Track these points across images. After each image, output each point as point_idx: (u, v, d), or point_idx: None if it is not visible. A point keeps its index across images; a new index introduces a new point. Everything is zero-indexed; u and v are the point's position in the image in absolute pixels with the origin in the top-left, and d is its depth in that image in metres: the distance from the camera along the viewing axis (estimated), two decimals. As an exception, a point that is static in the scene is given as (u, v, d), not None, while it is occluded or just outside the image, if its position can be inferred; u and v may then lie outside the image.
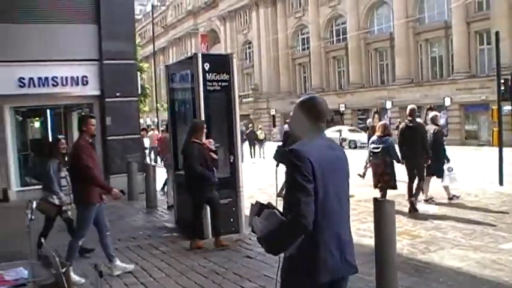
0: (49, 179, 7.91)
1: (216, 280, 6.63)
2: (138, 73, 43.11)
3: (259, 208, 3.13)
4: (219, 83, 9.16)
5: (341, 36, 50.47)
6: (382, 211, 5.69)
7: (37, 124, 19.69)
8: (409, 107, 11.61)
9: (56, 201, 7.91)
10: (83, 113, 17.57)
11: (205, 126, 8.45)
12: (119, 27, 15.27)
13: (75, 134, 19.10)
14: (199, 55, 9.07)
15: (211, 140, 8.66)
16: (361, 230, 9.10)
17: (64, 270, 3.70)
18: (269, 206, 3.12)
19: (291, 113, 3.50)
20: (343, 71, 50.94)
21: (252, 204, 3.21)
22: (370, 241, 7.87)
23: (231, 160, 9.28)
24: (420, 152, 10.82)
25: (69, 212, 8.09)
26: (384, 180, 11.01)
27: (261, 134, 31.35)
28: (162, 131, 21.70)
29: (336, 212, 3.17)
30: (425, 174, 11.16)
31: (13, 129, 15.26)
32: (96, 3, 15.20)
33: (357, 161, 15.09)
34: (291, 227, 2.96)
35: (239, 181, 9.38)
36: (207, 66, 9.00)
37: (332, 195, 3.14)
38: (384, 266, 5.65)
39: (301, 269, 3.12)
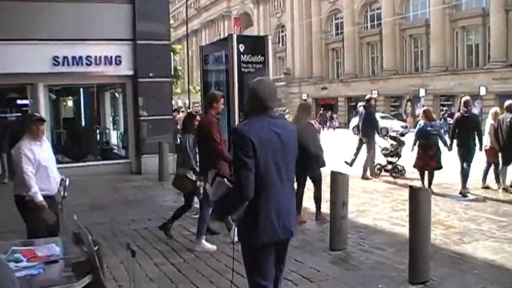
0: (186, 154, 7.95)
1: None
2: (171, 54, 43.80)
3: (214, 176, 3.78)
4: (254, 65, 9.09)
5: (375, 22, 49.81)
6: (417, 199, 5.55)
7: (70, 103, 19.95)
8: (464, 98, 11.84)
9: (193, 177, 7.89)
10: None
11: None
12: (153, 7, 15.25)
13: (108, 113, 19.46)
14: (235, 36, 9.03)
15: None
16: (394, 218, 8.98)
17: (96, 248, 3.68)
18: (219, 175, 3.78)
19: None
20: (377, 57, 50.31)
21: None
22: (402, 229, 7.79)
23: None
24: (473, 141, 11.15)
25: (201, 188, 7.84)
26: (432, 162, 11.46)
27: (289, 118, 31.06)
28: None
29: (276, 184, 3.64)
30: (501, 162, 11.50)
31: (47, 107, 15.40)
32: (131, -17, 15.19)
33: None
34: (234, 196, 3.58)
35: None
36: (241, 47, 8.94)
37: (272, 169, 3.60)
38: (416, 256, 5.53)
39: (246, 231, 3.70)
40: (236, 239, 3.98)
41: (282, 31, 65.11)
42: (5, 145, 13.29)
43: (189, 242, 7.72)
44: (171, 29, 52.17)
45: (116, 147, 18.74)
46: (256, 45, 9.25)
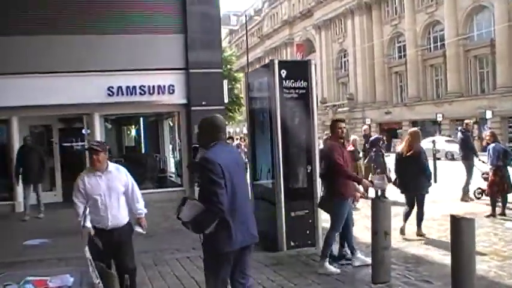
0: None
1: (281, 297, 6.36)
2: (233, 82, 44.22)
3: (183, 200, 4.40)
4: (297, 90, 8.88)
5: (438, 43, 48.70)
6: (459, 230, 5.18)
7: (128, 132, 20.33)
8: None
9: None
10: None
11: None
12: (205, 36, 15.39)
13: (165, 141, 19.67)
14: (276, 61, 8.85)
15: None
16: (448, 249, 8.45)
17: (98, 282, 3.57)
18: (190, 198, 4.43)
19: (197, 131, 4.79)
20: (441, 79, 49.06)
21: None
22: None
23: (308, 170, 8.96)
24: None
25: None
26: (505, 184, 11.24)
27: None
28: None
29: (241, 198, 4.48)
30: None
31: (103, 137, 15.71)
32: (182, 13, 15.39)
33: (455, 174, 14.36)
34: (211, 212, 4.25)
35: (316, 192, 9.04)
36: (283, 73, 8.75)
37: (237, 186, 4.42)
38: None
39: (218, 242, 4.36)
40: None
41: (345, 56, 64.77)
42: (31, 176, 13.47)
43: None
44: (234, 57, 53.33)
45: (172, 175, 18.89)
46: (298, 70, 9.00)
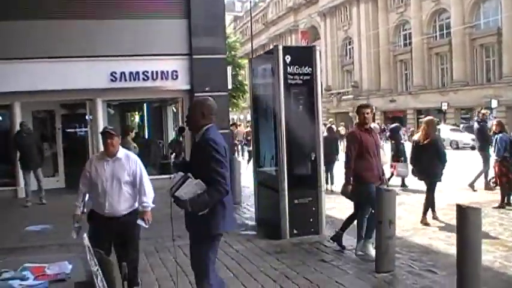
0: None
1: (284, 284, 6.26)
2: (237, 69, 43.98)
3: (184, 177, 4.34)
4: (301, 77, 8.75)
5: (444, 32, 48.37)
6: (465, 219, 5.07)
7: (131, 118, 20.22)
8: None
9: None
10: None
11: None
12: (209, 21, 15.18)
13: (169, 127, 19.56)
14: (280, 47, 8.70)
15: None
16: (452, 238, 8.32)
17: (96, 269, 3.47)
18: (191, 177, 4.35)
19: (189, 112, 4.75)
20: (446, 67, 48.74)
21: (174, 176, 4.44)
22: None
23: (313, 158, 8.85)
24: None
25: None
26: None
27: (342, 130, 30.00)
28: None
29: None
30: None
31: (105, 122, 15.61)
32: (186, -2, 15.21)
33: (460, 163, 14.24)
34: (218, 192, 4.36)
35: (320, 180, 8.95)
36: (288, 58, 8.63)
37: (228, 167, 4.52)
38: (465, 281, 5.05)
39: (216, 222, 4.50)
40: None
41: (350, 43, 64.41)
42: (30, 161, 13.40)
43: (231, 259, 7.48)
44: (238, 44, 52.99)
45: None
46: (303, 56, 8.86)
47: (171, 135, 19.38)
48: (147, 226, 5.83)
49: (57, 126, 16.41)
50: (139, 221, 5.75)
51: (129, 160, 5.69)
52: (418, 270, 6.67)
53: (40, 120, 16.99)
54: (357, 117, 7.79)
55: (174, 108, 18.45)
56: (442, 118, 44.96)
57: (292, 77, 8.66)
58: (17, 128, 13.99)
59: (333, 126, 17.18)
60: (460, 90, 44.97)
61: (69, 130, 17.77)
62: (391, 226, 6.43)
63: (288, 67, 8.62)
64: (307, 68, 8.74)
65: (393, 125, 16.40)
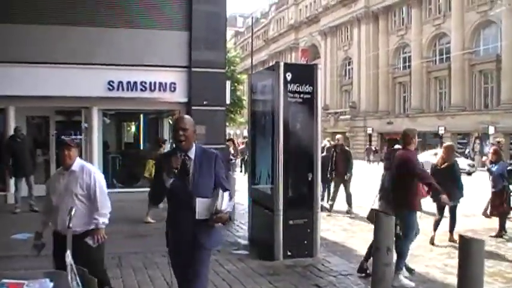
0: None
1: (276, 309, 6.04)
2: (236, 84, 43.91)
3: (217, 192, 4.22)
4: (301, 95, 8.57)
5: (444, 56, 48.56)
6: (469, 252, 4.86)
7: (127, 128, 19.98)
8: None
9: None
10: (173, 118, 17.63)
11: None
12: (210, 35, 15.05)
13: (166, 138, 19.28)
14: (282, 64, 8.54)
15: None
16: (448, 267, 8.16)
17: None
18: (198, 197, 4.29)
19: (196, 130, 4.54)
20: (445, 92, 48.84)
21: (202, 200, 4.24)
22: (455, 280, 7.01)
23: (309, 178, 8.65)
24: None
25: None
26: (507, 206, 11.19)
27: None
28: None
29: None
30: None
31: (100, 131, 15.43)
32: (188, 11, 15.01)
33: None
34: (231, 199, 4.39)
35: (317, 201, 8.74)
36: (289, 76, 8.46)
37: None
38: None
39: (220, 232, 4.73)
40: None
41: (349, 64, 64.60)
42: (23, 168, 13.20)
43: (221, 280, 7.24)
44: (238, 59, 52.99)
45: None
46: (304, 74, 8.70)
47: (167, 147, 19.13)
48: (94, 245, 5.29)
49: (51, 132, 16.16)
50: (87, 239, 5.23)
51: (83, 172, 5.24)
52: (414, 299, 6.44)
53: (34, 126, 16.74)
54: (407, 141, 7.55)
55: (170, 120, 18.25)
56: (439, 142, 44.87)
57: (292, 95, 8.48)
58: (11, 132, 13.78)
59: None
60: (457, 115, 44.99)
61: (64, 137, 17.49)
62: (389, 253, 6.21)
63: (289, 84, 8.45)
64: (308, 86, 8.57)
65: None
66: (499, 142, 14.42)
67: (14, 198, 13.52)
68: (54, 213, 5.25)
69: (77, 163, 5.27)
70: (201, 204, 4.22)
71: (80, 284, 3.58)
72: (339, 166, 14.34)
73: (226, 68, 31.72)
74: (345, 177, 14.29)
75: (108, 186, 15.36)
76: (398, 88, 55.96)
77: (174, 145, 4.54)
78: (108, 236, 9.88)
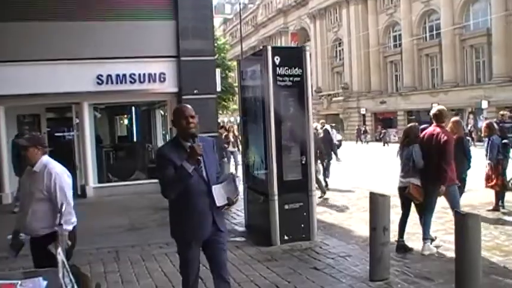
0: (413, 164, 7.72)
1: (275, 295, 6.02)
2: (227, 71, 43.76)
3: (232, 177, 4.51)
4: (291, 78, 8.50)
5: (434, 33, 48.31)
6: (465, 227, 4.84)
7: (118, 121, 19.92)
8: None
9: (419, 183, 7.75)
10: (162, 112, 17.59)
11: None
12: (196, 23, 14.92)
13: (159, 131, 19.26)
14: (269, 48, 8.46)
15: None
16: (447, 243, 8.12)
17: (70, 285, 3.22)
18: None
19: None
20: (437, 69, 48.67)
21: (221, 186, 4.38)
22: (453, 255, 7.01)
23: (303, 161, 8.60)
24: None
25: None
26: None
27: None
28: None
29: None
30: None
31: (91, 126, 15.34)
32: (174, 0, 14.92)
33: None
34: None
35: (311, 184, 8.70)
36: (277, 59, 8.37)
37: None
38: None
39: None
40: None
41: (339, 45, 64.29)
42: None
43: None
44: (228, 46, 52.71)
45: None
46: (293, 57, 8.63)
47: (160, 138, 19.06)
48: (54, 253, 5.11)
49: (42, 130, 16.04)
50: (49, 246, 4.71)
51: (44, 173, 4.97)
52: (414, 277, 6.42)
53: (27, 124, 16.61)
54: (441, 120, 7.89)
55: (161, 111, 18.17)
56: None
57: (281, 79, 8.41)
58: (3, 132, 13.88)
59: (327, 127, 16.73)
60: (450, 91, 44.90)
61: (58, 134, 17.42)
62: (385, 233, 6.20)
63: (278, 68, 8.37)
64: (297, 69, 8.50)
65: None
66: (502, 115, 14.43)
67: (11, 197, 13.47)
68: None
69: (40, 163, 5.01)
70: (217, 191, 4.30)
71: (72, 280, 3.54)
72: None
73: (216, 55, 31.57)
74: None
75: (103, 181, 15.35)
76: (390, 67, 55.77)
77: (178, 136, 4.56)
78: (105, 231, 9.89)
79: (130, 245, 8.78)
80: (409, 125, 8.69)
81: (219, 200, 4.30)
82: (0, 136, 14.44)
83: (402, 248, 7.73)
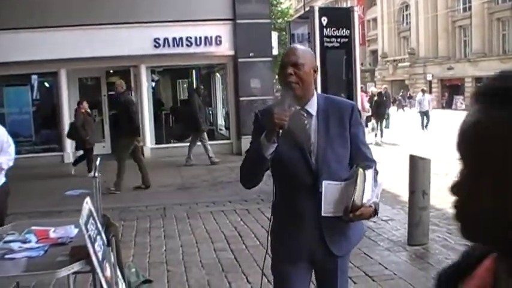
0: None
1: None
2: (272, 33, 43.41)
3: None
4: (338, 39, 8.40)
5: (507, -5, 46.23)
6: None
7: (184, 85, 20.13)
8: None
9: None
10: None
11: None
12: (253, -15, 14.92)
13: (217, 94, 19.40)
14: (316, 8, 8.38)
15: None
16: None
17: (96, 232, 3.37)
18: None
19: None
20: (508, 33, 46.58)
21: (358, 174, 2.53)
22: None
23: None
24: None
25: None
26: None
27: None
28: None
29: None
30: None
31: (149, 89, 15.67)
32: (231, -37, 14.92)
33: None
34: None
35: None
36: (324, 20, 8.29)
37: None
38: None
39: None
40: None
41: (406, 9, 62.42)
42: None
43: (260, 227, 7.28)
44: (292, 11, 52.11)
45: (222, 128, 18.76)
46: (340, 17, 8.53)
47: (219, 101, 19.18)
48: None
49: (102, 93, 16.49)
50: None
51: None
52: (454, 244, 6.29)
53: (88, 87, 17.10)
54: None
55: (218, 74, 18.32)
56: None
57: (329, 40, 8.32)
58: (65, 94, 14.35)
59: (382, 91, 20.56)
60: (522, 57, 43.08)
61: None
62: (425, 197, 6.10)
63: (325, 29, 8.28)
64: (345, 30, 8.38)
65: None
66: None
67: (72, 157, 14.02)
68: None
69: None
70: (330, 193, 2.60)
71: (99, 228, 3.69)
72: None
73: (280, 19, 31.30)
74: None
75: (161, 142, 15.64)
76: (458, 32, 53.76)
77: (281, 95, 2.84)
78: (156, 189, 10.17)
79: (178, 203, 9.01)
80: None
81: (328, 207, 2.58)
82: (61, 97, 14.93)
83: None
